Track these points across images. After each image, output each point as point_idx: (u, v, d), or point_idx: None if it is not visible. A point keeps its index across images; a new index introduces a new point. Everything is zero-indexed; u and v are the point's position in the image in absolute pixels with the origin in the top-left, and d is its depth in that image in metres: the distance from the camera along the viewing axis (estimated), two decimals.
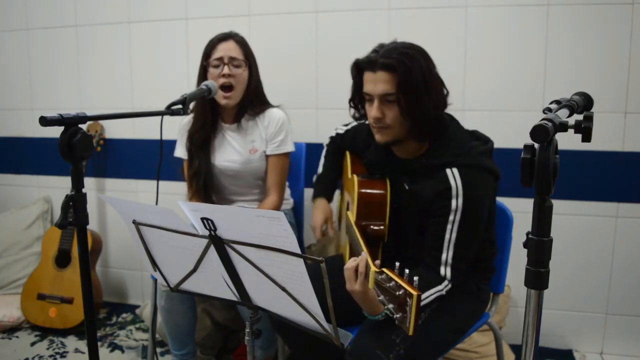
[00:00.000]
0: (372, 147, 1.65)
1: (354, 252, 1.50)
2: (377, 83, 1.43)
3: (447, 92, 1.50)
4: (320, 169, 1.94)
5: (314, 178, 1.94)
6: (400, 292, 0.97)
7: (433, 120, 1.45)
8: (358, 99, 1.60)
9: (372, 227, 1.53)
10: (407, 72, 1.39)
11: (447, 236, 1.41)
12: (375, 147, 1.60)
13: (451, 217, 1.40)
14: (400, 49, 1.42)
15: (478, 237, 1.48)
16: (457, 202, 1.39)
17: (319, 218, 1.81)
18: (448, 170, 1.42)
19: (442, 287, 1.42)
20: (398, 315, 0.96)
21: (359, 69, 1.51)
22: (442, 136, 1.49)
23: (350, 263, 1.26)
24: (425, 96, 1.41)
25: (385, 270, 1.07)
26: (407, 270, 1.03)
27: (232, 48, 1.93)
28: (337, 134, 1.91)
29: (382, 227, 1.53)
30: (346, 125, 1.89)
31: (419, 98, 1.41)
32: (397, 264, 1.13)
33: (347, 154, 1.84)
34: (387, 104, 1.44)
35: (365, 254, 1.24)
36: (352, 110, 1.66)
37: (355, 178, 1.60)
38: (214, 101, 1.97)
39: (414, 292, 0.94)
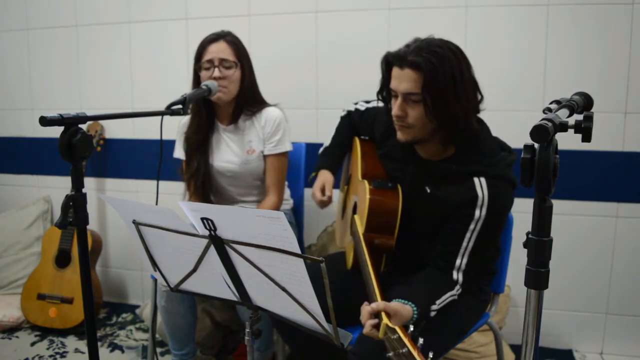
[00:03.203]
0: (391, 140, 1.57)
1: (358, 263, 1.48)
2: (402, 81, 1.38)
3: (482, 96, 1.44)
4: (329, 141, 1.85)
5: (320, 150, 1.86)
6: None
7: (462, 126, 1.38)
8: (386, 92, 1.53)
9: (380, 240, 1.49)
10: (434, 73, 1.33)
11: (464, 244, 1.40)
12: (396, 142, 1.52)
13: (472, 226, 1.39)
14: (432, 47, 1.35)
15: (494, 247, 1.48)
16: (480, 212, 1.37)
17: (317, 188, 1.74)
18: (476, 179, 1.39)
19: (455, 292, 1.42)
20: None
21: (388, 62, 1.45)
22: (473, 141, 1.44)
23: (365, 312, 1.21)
24: (453, 99, 1.35)
25: (398, 330, 1.03)
26: (421, 340, 0.98)
27: (222, 49, 1.90)
28: (357, 110, 1.81)
29: (390, 241, 1.49)
30: (368, 102, 1.80)
31: (446, 101, 1.35)
32: (412, 327, 1.08)
33: (357, 140, 1.77)
34: (411, 103, 1.39)
35: (380, 305, 1.19)
36: (381, 104, 1.59)
37: (367, 185, 1.54)
38: (209, 102, 1.96)
39: None
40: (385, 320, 1.13)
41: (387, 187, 1.54)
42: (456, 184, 1.42)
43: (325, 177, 1.78)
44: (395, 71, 1.41)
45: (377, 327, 1.16)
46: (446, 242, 1.43)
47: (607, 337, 2.33)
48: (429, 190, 1.47)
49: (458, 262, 1.41)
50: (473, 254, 1.40)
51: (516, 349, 2.25)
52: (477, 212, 1.37)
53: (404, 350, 0.98)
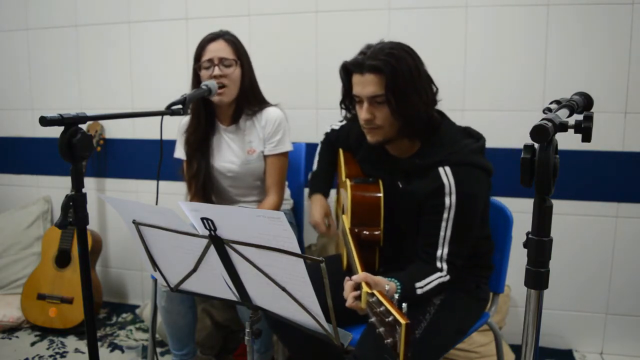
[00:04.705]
0: (364, 146, 1.65)
1: (350, 261, 1.50)
2: (365, 85, 1.44)
3: (437, 89, 1.51)
4: (315, 166, 1.93)
5: (309, 175, 1.94)
6: (389, 319, 0.96)
7: (424, 119, 1.45)
8: (348, 100, 1.60)
9: (367, 233, 1.53)
10: (394, 73, 1.39)
11: (441, 233, 1.42)
12: (368, 146, 1.60)
13: (445, 215, 1.41)
14: (386, 50, 1.42)
15: (472, 233, 1.49)
16: (450, 200, 1.40)
17: (318, 213, 1.80)
18: (440, 169, 1.43)
19: (443, 274, 1.43)
20: (389, 340, 0.96)
21: (347, 71, 1.51)
22: (434, 135, 1.49)
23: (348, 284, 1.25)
24: (415, 95, 1.42)
25: (376, 293, 1.07)
26: (396, 296, 1.04)
27: (221, 48, 1.90)
28: (332, 130, 1.90)
29: (377, 233, 1.52)
30: (341, 121, 1.88)
31: (408, 98, 1.41)
32: (387, 287, 1.15)
33: (340, 151, 1.84)
34: (376, 105, 1.45)
35: (360, 275, 1.23)
36: (344, 112, 1.67)
37: (348, 182, 1.59)
38: (209, 103, 1.96)
39: (403, 322, 0.92)
40: (365, 288, 1.15)
41: (367, 181, 1.60)
42: (423, 176, 1.46)
43: (321, 202, 1.83)
44: (356, 78, 1.47)
45: (359, 299, 1.18)
46: (425, 234, 1.46)
47: (607, 337, 2.33)
48: (401, 186, 1.52)
49: (439, 252, 1.43)
50: (453, 243, 1.42)
51: (516, 349, 2.25)
52: (447, 200, 1.40)
53: (381, 309, 1.01)
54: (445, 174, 1.42)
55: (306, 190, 2.27)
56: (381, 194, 1.54)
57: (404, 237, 1.56)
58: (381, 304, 1.02)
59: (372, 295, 1.07)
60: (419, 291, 1.39)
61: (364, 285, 1.17)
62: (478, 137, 1.52)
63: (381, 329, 0.98)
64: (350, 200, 1.54)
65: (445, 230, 1.42)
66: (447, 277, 1.44)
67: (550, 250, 0.87)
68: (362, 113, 1.47)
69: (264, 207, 1.97)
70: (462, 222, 1.42)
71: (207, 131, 2.00)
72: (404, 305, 1.00)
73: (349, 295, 1.21)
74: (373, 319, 1.03)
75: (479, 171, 1.45)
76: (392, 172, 1.56)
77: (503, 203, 1.73)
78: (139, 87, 2.73)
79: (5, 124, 2.97)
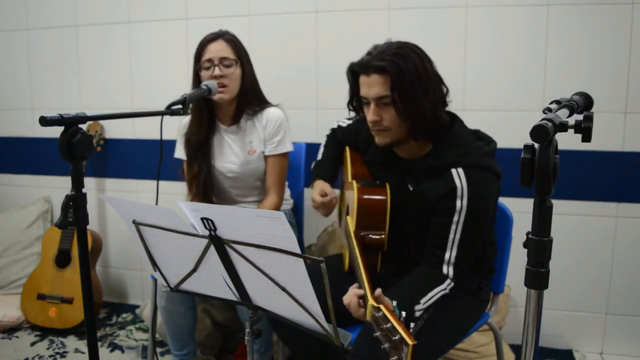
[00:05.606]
0: (373, 147, 1.63)
1: (352, 264, 1.49)
2: (371, 86, 1.42)
3: (447, 89, 1.49)
4: (319, 157, 1.90)
5: (312, 165, 1.90)
6: (396, 337, 0.95)
7: (432, 120, 1.42)
8: (356, 101, 1.59)
9: (371, 236, 1.52)
10: (400, 74, 1.37)
11: (451, 236, 1.41)
12: (377, 147, 1.58)
13: (455, 218, 1.40)
14: (392, 50, 1.40)
15: (481, 237, 1.48)
16: (462, 203, 1.39)
17: (315, 193, 1.73)
18: (453, 171, 1.41)
19: (446, 286, 1.42)
20: (394, 358, 0.95)
21: (354, 72, 1.50)
22: (446, 135, 1.47)
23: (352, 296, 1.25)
24: (422, 95, 1.39)
25: (382, 308, 1.06)
26: (403, 313, 1.03)
27: (222, 48, 1.90)
28: (339, 126, 1.87)
29: (382, 237, 1.51)
30: (350, 119, 1.86)
31: (415, 98, 1.39)
32: (394, 302, 1.14)
33: (347, 149, 1.82)
34: (383, 106, 1.43)
35: (362, 289, 1.22)
36: (353, 114, 1.65)
37: (355, 184, 1.58)
38: (210, 103, 1.96)
39: (410, 342, 0.91)
40: (371, 301, 1.14)
41: (374, 184, 1.58)
42: (435, 178, 1.44)
43: (320, 184, 1.79)
44: (363, 79, 1.45)
45: (364, 306, 1.17)
46: (433, 236, 1.45)
47: (607, 337, 2.33)
48: (411, 188, 1.51)
49: (447, 255, 1.42)
50: (461, 246, 1.41)
51: (516, 349, 2.25)
52: (458, 203, 1.39)
53: (387, 326, 1.00)
54: (458, 176, 1.40)
55: (306, 191, 2.28)
56: (388, 198, 1.53)
57: (409, 239, 1.55)
58: (388, 320, 1.01)
59: (379, 310, 1.06)
60: (417, 314, 1.38)
61: (369, 297, 1.16)
62: (489, 141, 1.50)
63: (386, 345, 0.98)
64: (356, 203, 1.53)
65: (455, 233, 1.41)
66: (451, 285, 1.43)
67: (550, 250, 0.87)
68: (370, 115, 1.45)
69: (264, 207, 1.97)
70: (472, 226, 1.41)
71: (208, 131, 2.00)
72: (412, 325, 0.99)
73: (351, 301, 1.20)
74: (378, 334, 1.02)
75: (491, 175, 1.44)
76: (402, 174, 1.54)
77: (503, 203, 1.73)
78: (138, 87, 2.73)
79: (5, 124, 2.97)
